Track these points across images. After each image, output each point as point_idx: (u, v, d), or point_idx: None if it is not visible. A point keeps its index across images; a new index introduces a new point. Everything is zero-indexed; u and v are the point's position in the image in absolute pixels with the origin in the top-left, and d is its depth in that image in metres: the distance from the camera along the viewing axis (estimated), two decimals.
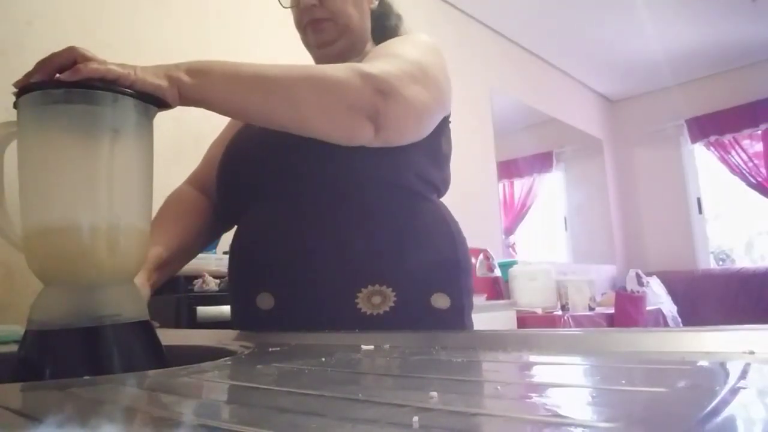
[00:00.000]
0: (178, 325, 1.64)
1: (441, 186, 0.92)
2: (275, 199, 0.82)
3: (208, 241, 1.02)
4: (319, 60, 0.97)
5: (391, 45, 0.85)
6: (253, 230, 0.83)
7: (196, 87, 0.65)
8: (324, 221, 0.79)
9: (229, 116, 0.69)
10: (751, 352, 0.37)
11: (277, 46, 2.46)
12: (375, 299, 0.78)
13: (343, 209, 0.79)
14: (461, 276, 0.86)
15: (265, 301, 0.80)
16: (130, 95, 0.55)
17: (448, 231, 0.86)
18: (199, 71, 0.66)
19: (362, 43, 0.97)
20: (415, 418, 0.23)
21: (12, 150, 0.56)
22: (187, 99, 0.64)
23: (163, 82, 0.61)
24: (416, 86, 0.76)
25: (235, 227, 0.90)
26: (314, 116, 0.71)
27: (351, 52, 0.95)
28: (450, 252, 0.85)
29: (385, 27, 1.01)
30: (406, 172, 0.82)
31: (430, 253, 0.82)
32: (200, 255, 1.08)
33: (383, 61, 0.76)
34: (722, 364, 0.33)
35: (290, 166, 0.81)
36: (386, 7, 1.02)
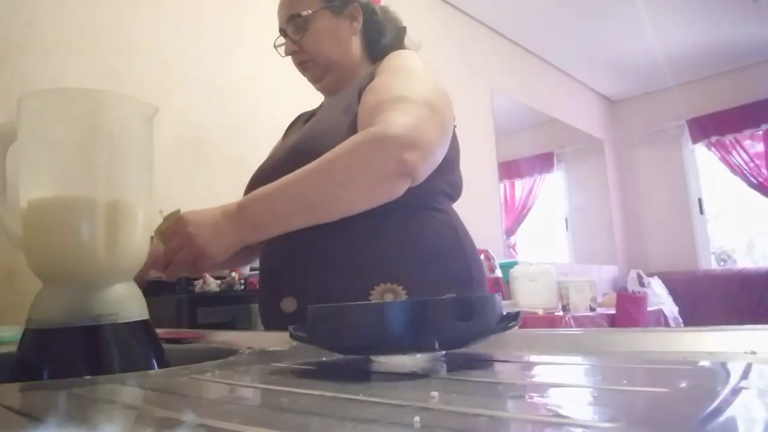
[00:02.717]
0: (178, 326, 1.64)
1: (451, 191, 0.95)
2: None
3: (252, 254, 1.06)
4: (321, 91, 1.07)
5: (391, 83, 0.86)
6: (277, 241, 0.88)
7: (259, 236, 0.82)
8: (339, 234, 0.83)
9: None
10: (753, 352, 0.37)
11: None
12: (387, 297, 0.80)
13: (356, 226, 0.82)
14: (473, 292, 0.88)
15: (289, 304, 0.85)
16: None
17: (461, 253, 0.90)
18: (260, 226, 0.80)
19: (352, 69, 1.02)
20: (417, 418, 0.23)
21: (12, 150, 0.56)
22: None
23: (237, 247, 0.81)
24: (431, 128, 0.80)
25: None
26: (358, 202, 0.79)
27: (343, 80, 1.01)
28: (462, 272, 0.88)
29: (380, 46, 1.04)
30: (413, 189, 0.83)
31: (440, 273, 0.85)
32: None
33: (397, 114, 0.78)
34: (723, 364, 0.33)
35: None
36: (378, 25, 1.04)
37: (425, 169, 0.80)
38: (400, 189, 0.79)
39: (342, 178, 0.77)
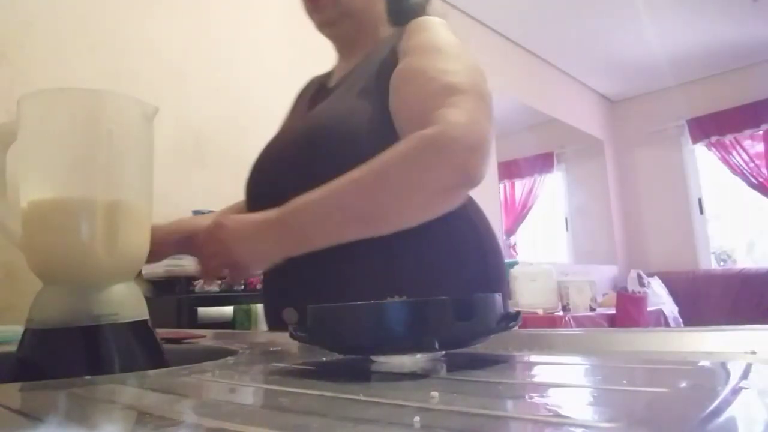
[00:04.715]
0: (179, 326, 1.64)
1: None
2: None
3: None
4: (330, 38, 0.95)
5: (430, 67, 0.76)
6: None
7: (302, 249, 0.73)
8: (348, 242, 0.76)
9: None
10: (753, 352, 0.37)
11: (275, 41, 2.46)
12: None
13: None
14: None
15: (290, 316, 0.79)
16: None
17: (480, 257, 0.82)
18: (305, 239, 0.72)
19: (371, 26, 0.92)
20: (417, 418, 0.23)
21: (12, 150, 0.56)
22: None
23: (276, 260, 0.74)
24: (485, 120, 0.72)
25: None
26: (416, 214, 0.71)
27: (359, 34, 0.91)
28: (480, 275, 0.81)
29: (403, 8, 0.93)
30: None
31: (457, 283, 0.78)
32: None
33: (453, 111, 0.70)
34: (723, 365, 0.33)
35: (310, 183, 0.77)
36: None
37: (485, 170, 0.71)
38: (462, 197, 0.72)
39: (400, 190, 0.69)
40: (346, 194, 0.70)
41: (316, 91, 0.98)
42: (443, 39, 0.81)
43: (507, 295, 0.88)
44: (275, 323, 0.85)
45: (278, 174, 0.84)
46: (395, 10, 0.93)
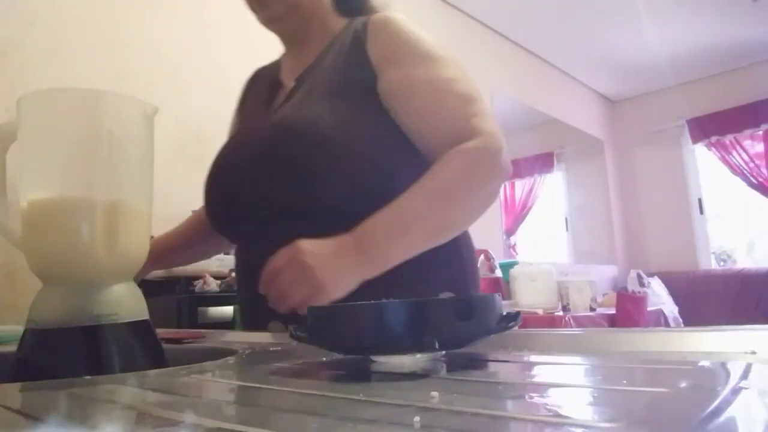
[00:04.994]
0: (179, 326, 1.64)
1: None
2: (277, 225, 0.77)
3: (218, 247, 1.07)
4: (276, 33, 0.92)
5: (434, 77, 0.78)
6: (257, 257, 0.73)
7: (380, 271, 0.70)
8: None
9: None
10: (753, 353, 0.37)
11: (275, 42, 2.47)
12: None
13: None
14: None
15: (276, 328, 0.77)
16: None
17: (460, 267, 0.85)
18: (387, 260, 0.70)
19: (319, 18, 0.89)
20: (417, 418, 0.23)
21: (13, 150, 0.56)
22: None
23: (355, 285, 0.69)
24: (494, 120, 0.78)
25: (236, 248, 0.89)
26: (473, 220, 0.78)
27: (307, 28, 0.89)
28: (459, 280, 0.84)
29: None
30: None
31: (437, 284, 0.78)
32: None
33: (480, 120, 0.76)
34: (723, 365, 0.33)
35: (289, 190, 0.76)
36: None
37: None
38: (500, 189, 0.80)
39: (466, 200, 0.75)
40: (419, 211, 0.72)
41: (271, 89, 0.95)
42: (424, 41, 0.81)
43: (479, 287, 0.92)
44: (253, 323, 0.83)
45: (245, 180, 0.81)
46: (342, 1, 0.92)
